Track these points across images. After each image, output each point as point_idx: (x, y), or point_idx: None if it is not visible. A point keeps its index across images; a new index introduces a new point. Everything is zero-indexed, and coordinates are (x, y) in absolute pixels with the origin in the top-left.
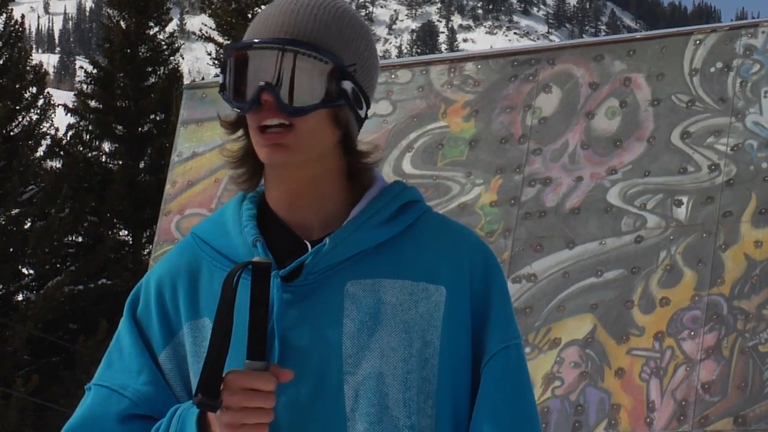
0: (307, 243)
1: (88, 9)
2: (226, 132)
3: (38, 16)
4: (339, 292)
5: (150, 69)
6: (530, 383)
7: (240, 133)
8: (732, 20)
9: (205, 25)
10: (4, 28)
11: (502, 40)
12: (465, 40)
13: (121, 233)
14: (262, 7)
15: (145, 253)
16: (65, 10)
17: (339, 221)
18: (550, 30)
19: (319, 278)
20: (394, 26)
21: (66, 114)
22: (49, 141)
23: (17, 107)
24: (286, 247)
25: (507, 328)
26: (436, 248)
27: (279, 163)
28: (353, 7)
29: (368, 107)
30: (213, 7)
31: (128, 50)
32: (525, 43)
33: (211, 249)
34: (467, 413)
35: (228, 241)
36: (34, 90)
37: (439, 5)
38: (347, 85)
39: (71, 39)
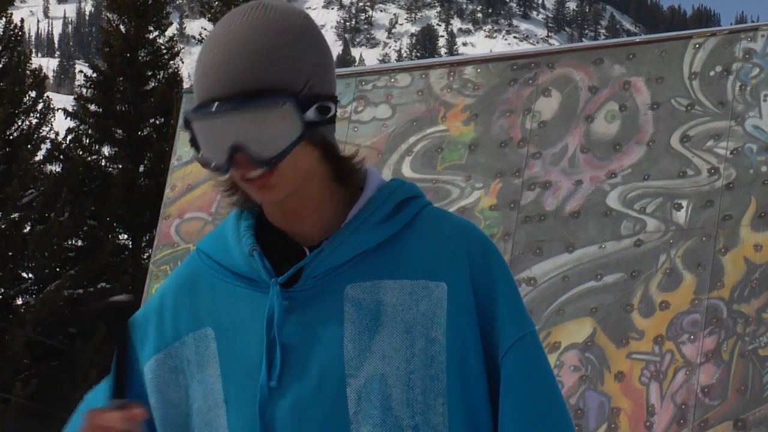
0: (306, 249)
1: (87, 13)
2: (213, 175)
3: (38, 20)
4: (339, 296)
5: (150, 73)
6: (551, 371)
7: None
8: (731, 24)
9: (205, 29)
10: (3, 32)
11: (502, 44)
12: (464, 44)
13: (120, 237)
14: None
15: (145, 257)
16: (65, 14)
17: (337, 224)
18: (549, 34)
19: (318, 283)
20: (393, 30)
21: (65, 118)
22: (48, 145)
23: (17, 111)
24: (285, 255)
25: (520, 318)
26: (435, 244)
27: (272, 201)
28: (352, 9)
29: (336, 103)
30: (212, 11)
31: (128, 54)
32: (524, 46)
33: (212, 261)
34: (483, 408)
35: (227, 252)
36: (33, 94)
37: (438, 9)
38: (311, 113)
39: (71, 43)
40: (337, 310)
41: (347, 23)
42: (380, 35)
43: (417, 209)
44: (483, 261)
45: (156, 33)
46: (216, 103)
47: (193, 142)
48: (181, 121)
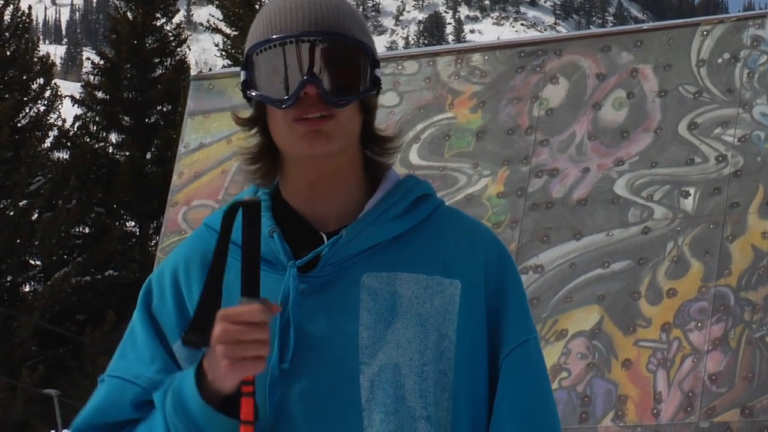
0: (323, 235)
1: (95, 0)
2: (243, 129)
3: (45, 7)
4: (355, 284)
5: (157, 60)
6: (548, 378)
7: (255, 130)
8: (739, 11)
9: (213, 16)
10: (11, 19)
11: (509, 31)
12: (472, 31)
13: (128, 224)
14: None
15: (152, 244)
16: (72, 1)
17: (354, 213)
18: (557, 21)
19: (335, 270)
20: (401, 17)
21: (73, 105)
22: (56, 132)
23: (25, 98)
24: (302, 239)
25: (525, 323)
26: (451, 242)
27: (319, 153)
28: None
29: None
30: None
31: (135, 41)
32: (532, 34)
33: None
34: (485, 406)
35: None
36: (41, 81)
37: None
38: (378, 72)
39: (78, 30)
40: (353, 297)
41: None
42: (387, 22)
43: (433, 207)
44: (497, 264)
45: (163, 20)
46: (298, 35)
47: (246, 84)
48: (189, 108)
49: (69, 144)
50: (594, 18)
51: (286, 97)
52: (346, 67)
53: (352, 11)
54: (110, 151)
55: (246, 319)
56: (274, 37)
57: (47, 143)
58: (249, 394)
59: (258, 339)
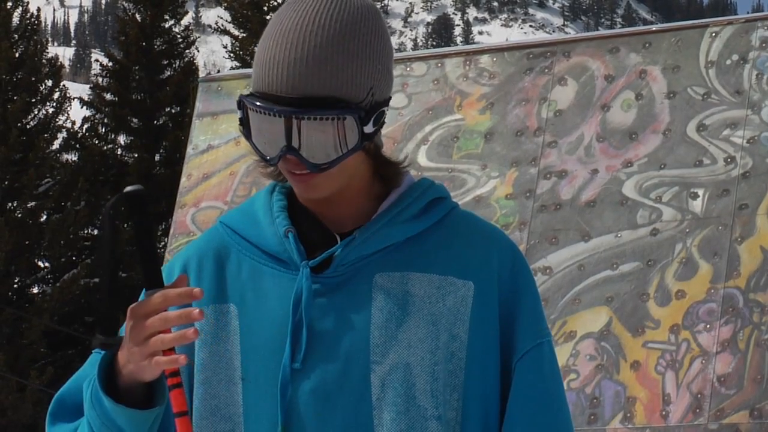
0: (337, 235)
1: (103, 2)
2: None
3: (54, 9)
4: (368, 283)
5: (165, 62)
6: (562, 381)
7: None
8: (748, 12)
9: (221, 18)
10: (20, 21)
11: (518, 33)
12: (480, 33)
13: None
14: None
15: (161, 246)
16: (81, 2)
17: (369, 215)
18: (565, 22)
19: (348, 270)
20: (409, 19)
21: (82, 107)
22: (65, 134)
23: (33, 100)
24: (317, 239)
25: (539, 325)
26: (465, 245)
27: (313, 198)
28: None
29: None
30: None
31: (144, 43)
32: (540, 35)
33: (240, 238)
34: (497, 408)
35: (258, 231)
36: (50, 83)
37: None
38: (369, 128)
39: (87, 32)
40: (366, 296)
41: None
42: (396, 24)
43: (447, 210)
44: (511, 267)
45: (172, 22)
46: (276, 107)
47: (243, 123)
48: (197, 110)
49: (77, 146)
50: (602, 19)
51: (271, 158)
52: (327, 136)
53: (344, 55)
54: (119, 153)
55: (149, 309)
56: (254, 98)
57: (56, 145)
58: (177, 385)
59: (162, 329)
